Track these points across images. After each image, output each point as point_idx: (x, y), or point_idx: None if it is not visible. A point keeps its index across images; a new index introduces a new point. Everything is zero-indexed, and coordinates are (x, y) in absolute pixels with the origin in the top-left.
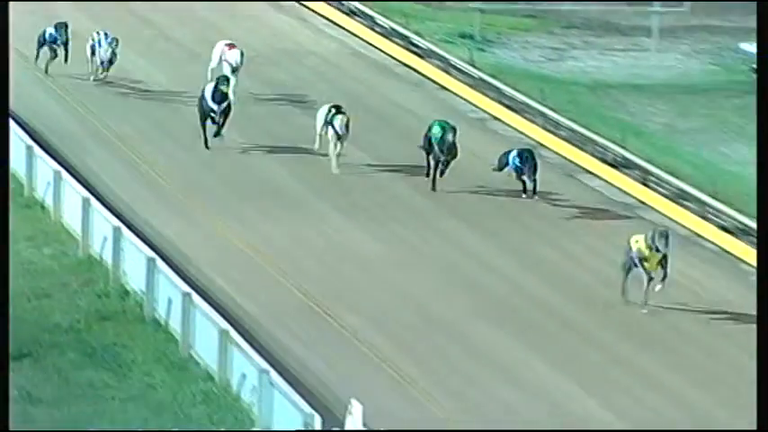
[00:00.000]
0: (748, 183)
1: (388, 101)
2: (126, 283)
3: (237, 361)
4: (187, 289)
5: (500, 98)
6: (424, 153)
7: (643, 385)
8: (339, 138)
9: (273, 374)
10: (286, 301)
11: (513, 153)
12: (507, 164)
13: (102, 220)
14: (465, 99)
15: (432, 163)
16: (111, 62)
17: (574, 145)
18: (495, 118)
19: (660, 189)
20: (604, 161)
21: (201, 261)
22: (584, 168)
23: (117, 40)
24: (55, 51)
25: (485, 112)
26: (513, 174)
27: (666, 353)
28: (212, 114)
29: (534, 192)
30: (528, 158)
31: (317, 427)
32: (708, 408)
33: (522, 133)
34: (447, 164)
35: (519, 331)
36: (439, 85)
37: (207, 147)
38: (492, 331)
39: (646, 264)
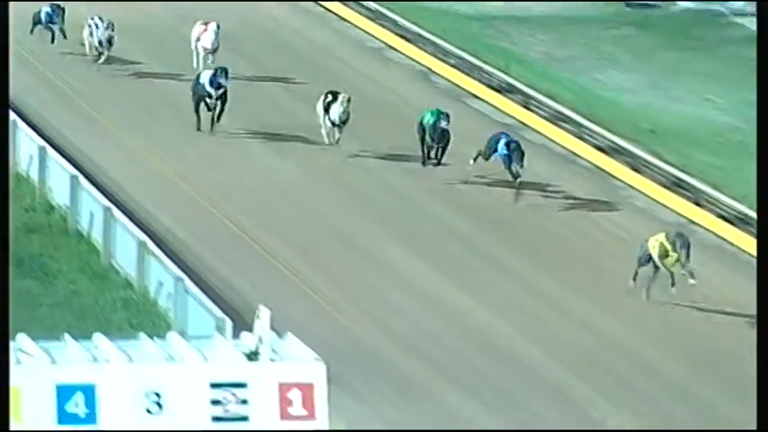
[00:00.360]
0: (622, 107)
1: (293, 31)
2: (51, 199)
3: (155, 270)
4: (108, 204)
5: (395, 29)
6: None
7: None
8: (335, 125)
9: (188, 282)
10: (201, 216)
11: (502, 141)
12: (495, 151)
13: (29, 141)
14: (364, 30)
15: (425, 150)
16: (110, 43)
17: (462, 72)
18: (391, 47)
19: (540, 112)
20: (490, 86)
21: (124, 181)
22: (471, 93)
23: (113, 25)
24: (52, 31)
25: (382, 41)
26: (501, 162)
27: (536, 254)
28: (207, 101)
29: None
30: (516, 147)
31: (228, 330)
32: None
33: (414, 61)
34: (442, 150)
35: (434, 257)
36: (339, 16)
37: (199, 129)
38: (398, 248)
39: (665, 261)
